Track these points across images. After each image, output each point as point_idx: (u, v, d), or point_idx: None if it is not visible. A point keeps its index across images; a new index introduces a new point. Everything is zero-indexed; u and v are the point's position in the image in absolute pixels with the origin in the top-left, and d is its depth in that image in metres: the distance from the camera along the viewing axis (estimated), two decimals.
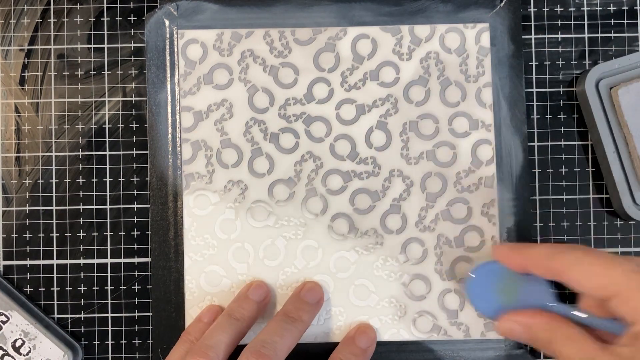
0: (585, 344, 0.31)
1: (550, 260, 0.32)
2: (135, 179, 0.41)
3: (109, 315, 0.40)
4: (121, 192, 0.41)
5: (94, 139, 0.41)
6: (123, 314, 0.40)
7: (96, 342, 0.40)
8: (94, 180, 0.41)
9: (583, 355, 0.30)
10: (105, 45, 0.41)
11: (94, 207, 0.41)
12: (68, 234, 0.41)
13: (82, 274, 0.41)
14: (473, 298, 0.36)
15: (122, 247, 0.41)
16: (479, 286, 0.36)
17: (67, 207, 0.41)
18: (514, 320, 0.33)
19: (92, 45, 0.41)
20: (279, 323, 0.37)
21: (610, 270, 0.30)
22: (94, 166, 0.41)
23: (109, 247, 0.41)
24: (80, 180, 0.41)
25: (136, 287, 0.41)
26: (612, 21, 0.41)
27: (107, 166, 0.41)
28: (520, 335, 0.33)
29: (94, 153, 0.41)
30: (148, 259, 0.41)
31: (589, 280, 0.31)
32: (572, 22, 0.41)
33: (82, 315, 0.40)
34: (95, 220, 0.41)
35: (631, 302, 0.29)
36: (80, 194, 0.41)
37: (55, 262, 0.41)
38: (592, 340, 0.31)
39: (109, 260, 0.41)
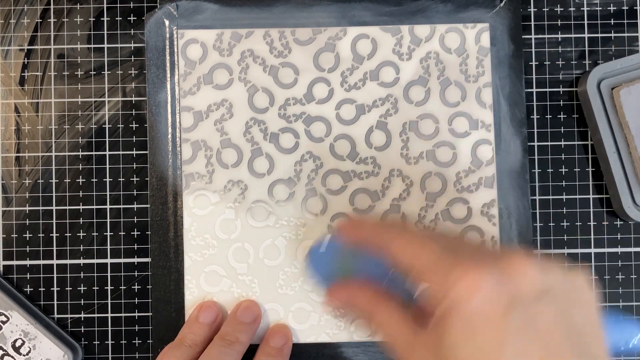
0: (403, 326, 0.30)
1: (377, 234, 0.31)
2: (135, 179, 0.41)
3: (109, 315, 0.40)
4: (121, 192, 0.41)
5: (94, 139, 0.41)
6: (123, 314, 0.40)
7: (96, 342, 0.40)
8: (94, 180, 0.41)
9: (399, 338, 0.30)
10: (105, 45, 0.41)
11: (94, 207, 0.41)
12: (68, 234, 0.41)
13: (82, 274, 0.41)
14: (314, 272, 0.34)
15: (122, 247, 0.41)
16: (320, 261, 0.34)
17: (67, 207, 0.41)
18: (338, 295, 0.32)
19: (92, 45, 0.41)
20: (217, 347, 0.37)
21: (421, 252, 0.29)
22: (94, 166, 0.41)
23: (109, 247, 0.41)
24: (80, 180, 0.41)
25: (136, 287, 0.41)
26: (612, 21, 0.41)
27: (107, 166, 0.41)
28: (346, 306, 0.32)
29: (94, 153, 0.41)
30: (148, 259, 0.41)
31: (403, 258, 0.30)
32: (572, 22, 0.41)
33: (82, 315, 0.41)
34: (95, 220, 0.41)
35: (435, 286, 0.28)
36: (80, 194, 0.41)
37: (55, 262, 0.41)
38: (410, 323, 0.30)
39: (108, 260, 0.41)
